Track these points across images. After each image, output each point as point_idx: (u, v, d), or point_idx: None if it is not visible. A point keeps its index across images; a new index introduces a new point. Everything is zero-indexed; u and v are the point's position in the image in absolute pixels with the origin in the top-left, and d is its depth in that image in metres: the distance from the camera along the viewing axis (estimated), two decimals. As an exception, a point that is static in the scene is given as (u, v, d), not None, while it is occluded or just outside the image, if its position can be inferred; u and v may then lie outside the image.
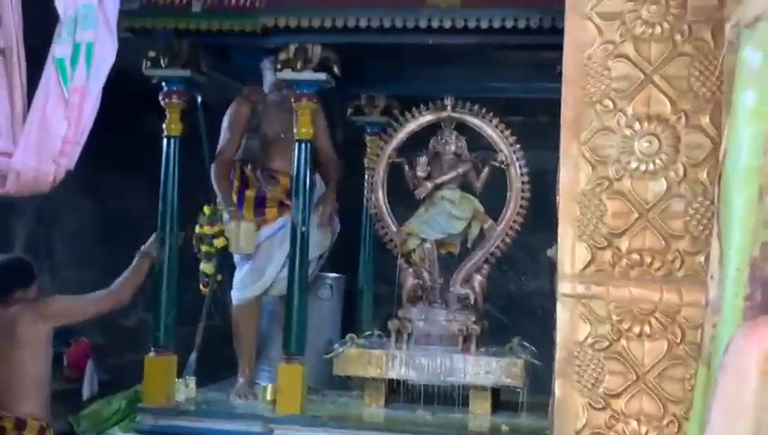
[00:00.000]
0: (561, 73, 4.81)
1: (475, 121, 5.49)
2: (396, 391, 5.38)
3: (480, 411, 5.19)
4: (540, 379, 5.26)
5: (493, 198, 5.58)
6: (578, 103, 2.12)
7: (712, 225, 2.01)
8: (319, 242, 5.58)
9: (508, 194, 5.47)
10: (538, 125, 6.54)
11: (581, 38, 2.13)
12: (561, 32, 4.62)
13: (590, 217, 2.10)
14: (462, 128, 5.56)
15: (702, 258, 2.05)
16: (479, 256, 5.46)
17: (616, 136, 2.10)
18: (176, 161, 5.24)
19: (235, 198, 5.48)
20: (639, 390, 2.08)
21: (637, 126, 2.10)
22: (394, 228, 5.53)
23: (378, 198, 5.59)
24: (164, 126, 5.26)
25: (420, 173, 5.46)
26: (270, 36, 5.09)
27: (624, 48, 2.11)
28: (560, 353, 2.09)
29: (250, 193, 5.47)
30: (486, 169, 5.49)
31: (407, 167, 5.54)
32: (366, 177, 5.77)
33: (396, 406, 5.32)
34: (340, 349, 5.26)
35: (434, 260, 5.47)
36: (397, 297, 5.47)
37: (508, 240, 5.48)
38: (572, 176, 2.11)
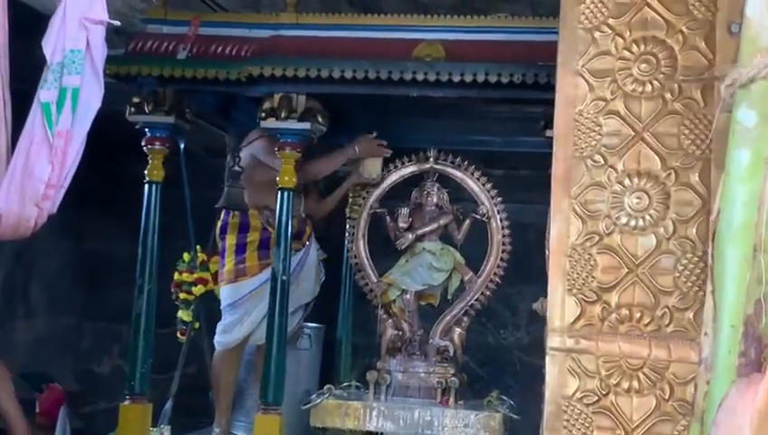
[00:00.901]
0: (544, 128, 4.94)
1: (456, 174, 5.51)
2: (373, 442, 5.34)
3: (458, 465, 5.15)
4: (517, 433, 5.25)
5: (473, 251, 5.59)
6: (568, 158, 2.13)
7: (701, 281, 2.03)
8: (310, 289, 5.59)
9: (489, 247, 5.47)
10: (520, 179, 6.61)
11: (572, 94, 2.15)
12: (544, 87, 4.77)
13: (579, 271, 2.11)
14: (444, 180, 5.58)
15: (691, 314, 2.06)
16: (459, 308, 5.45)
17: (606, 191, 2.12)
18: (157, 207, 5.23)
19: (233, 242, 5.45)
20: (628, 446, 2.07)
21: (627, 182, 2.11)
22: (374, 279, 5.52)
23: (359, 247, 5.59)
24: (146, 172, 5.24)
25: (402, 224, 5.47)
26: (255, 85, 5.10)
27: (615, 105, 2.14)
28: (548, 408, 2.08)
29: (252, 237, 5.45)
30: (467, 222, 5.50)
31: (388, 218, 5.55)
32: (347, 227, 5.77)
33: (373, 458, 5.27)
34: (318, 400, 5.20)
35: (413, 311, 5.46)
36: (376, 348, 5.45)
37: (488, 293, 5.47)
38: (563, 230, 2.12)
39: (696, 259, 2.06)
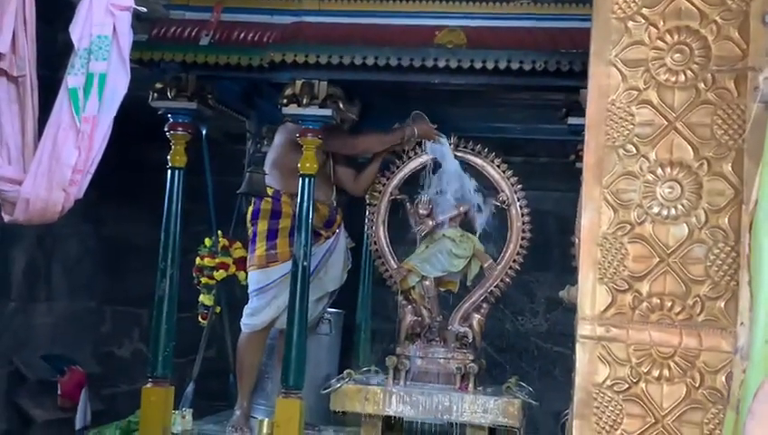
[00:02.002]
0: (566, 116, 4.94)
1: (477, 161, 5.53)
2: (392, 427, 5.37)
3: (476, 450, 5.18)
4: (534, 419, 5.28)
5: (493, 238, 5.60)
6: (600, 148, 2.14)
7: (732, 271, 2.05)
8: (337, 277, 5.63)
9: (508, 234, 5.49)
10: (539, 166, 6.63)
11: (605, 84, 2.16)
12: (566, 74, 4.78)
13: (611, 260, 2.12)
14: (464, 166, 5.59)
15: (722, 304, 2.08)
16: (478, 295, 5.47)
17: (638, 181, 2.13)
18: (179, 193, 5.25)
19: (265, 228, 5.48)
20: (657, 433, 2.09)
21: (659, 171, 2.12)
22: (394, 265, 5.55)
23: (378, 234, 5.61)
24: (168, 157, 5.27)
25: (422, 211, 5.48)
26: (277, 71, 5.12)
27: (648, 95, 2.15)
28: (578, 395, 2.10)
29: (284, 223, 5.47)
30: (487, 208, 5.51)
31: (408, 204, 5.57)
32: (367, 213, 5.79)
33: (392, 443, 5.31)
34: (338, 384, 5.24)
35: (433, 298, 5.48)
36: (395, 334, 5.48)
37: (507, 280, 5.49)
38: (594, 219, 2.13)
39: (728, 249, 2.08)
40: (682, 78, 2.12)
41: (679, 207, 2.11)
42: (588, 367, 2.10)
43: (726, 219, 2.09)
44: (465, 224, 5.57)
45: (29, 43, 3.80)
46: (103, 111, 3.79)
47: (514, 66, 4.84)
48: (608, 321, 2.11)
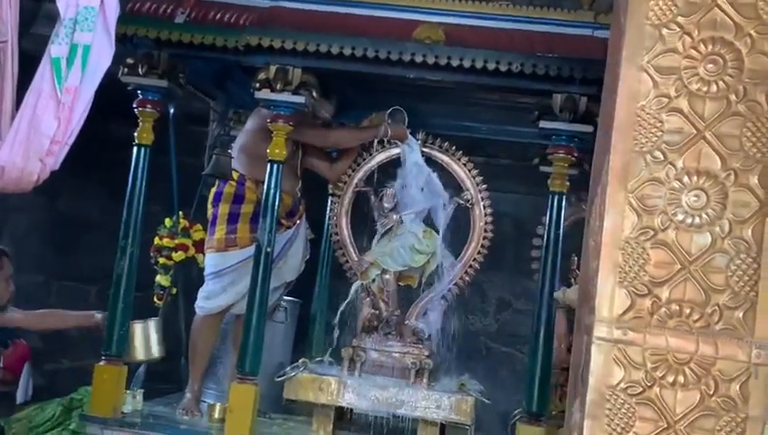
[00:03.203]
0: (538, 119, 4.99)
1: (443, 158, 5.55)
2: (343, 418, 5.37)
3: (427, 445, 5.20)
4: (480, 417, 5.32)
5: (454, 236, 5.63)
6: (627, 152, 2.16)
7: (753, 281, 2.09)
8: (296, 267, 5.60)
9: (470, 233, 5.52)
10: (499, 167, 6.67)
11: (636, 89, 2.17)
12: (542, 78, 4.82)
13: (632, 264, 2.14)
14: (429, 163, 5.61)
15: (741, 314, 2.11)
16: (437, 292, 5.50)
17: (664, 187, 2.16)
18: (144, 170, 5.19)
19: (227, 212, 5.43)
20: (669, 437, 2.12)
21: (686, 179, 2.15)
22: (355, 257, 5.55)
23: (341, 225, 5.61)
24: (135, 134, 5.21)
25: (386, 204, 5.49)
26: (252, 55, 5.07)
27: (678, 103, 2.17)
28: (591, 396, 2.12)
29: (246, 208, 5.43)
30: (451, 206, 5.54)
31: (373, 197, 5.57)
32: (330, 203, 5.78)
33: (343, 434, 5.29)
34: (293, 373, 5.23)
35: (392, 292, 5.49)
36: (340, 324, 5.47)
37: (467, 278, 5.53)
38: (617, 223, 2.15)
39: (750, 260, 2.11)
40: (714, 88, 2.15)
41: (704, 215, 2.14)
42: (602, 369, 2.12)
43: (750, 231, 2.12)
44: (428, 220, 5.59)
45: (12, 10, 3.73)
46: (85, 82, 3.75)
47: (491, 66, 4.86)
48: (625, 324, 2.13)
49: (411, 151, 5.48)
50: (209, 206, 5.54)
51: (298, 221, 5.67)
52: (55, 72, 3.67)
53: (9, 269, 4.94)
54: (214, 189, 5.56)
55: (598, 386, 2.12)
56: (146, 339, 5.36)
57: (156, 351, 5.41)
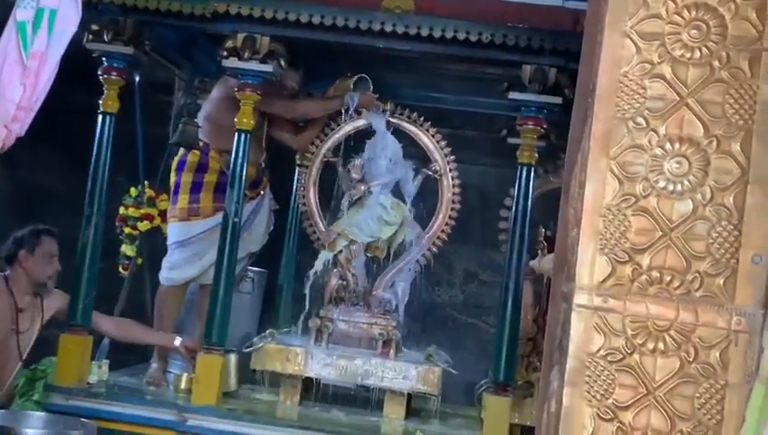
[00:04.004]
0: (507, 90, 4.98)
1: (411, 129, 5.55)
2: (310, 389, 5.36)
3: (394, 416, 5.22)
4: (447, 388, 5.34)
5: (421, 207, 5.63)
6: (609, 119, 2.15)
7: (734, 249, 2.09)
8: (260, 238, 5.58)
9: (438, 204, 5.52)
10: (464, 139, 6.66)
11: (618, 55, 2.16)
12: (512, 48, 4.80)
13: (613, 231, 2.14)
14: (398, 133, 5.60)
15: (721, 281, 2.12)
16: (404, 263, 5.50)
17: (646, 154, 2.15)
18: (109, 139, 5.11)
19: (190, 180, 5.38)
20: (649, 404, 2.13)
21: (668, 146, 2.15)
22: (323, 228, 5.54)
23: (308, 195, 5.59)
24: (100, 102, 5.13)
25: (354, 175, 5.47)
26: (219, 22, 5.01)
27: (661, 69, 2.16)
28: (571, 363, 2.12)
29: (210, 178, 5.38)
30: (419, 177, 5.54)
31: (341, 168, 5.55)
32: (297, 174, 5.75)
33: (310, 404, 5.30)
34: (260, 343, 5.21)
35: (359, 263, 5.48)
36: (318, 296, 5.46)
37: (434, 249, 5.54)
38: (598, 190, 2.15)
39: (731, 227, 2.12)
40: (697, 54, 2.15)
41: (685, 182, 2.14)
42: (582, 336, 2.12)
43: (731, 198, 2.13)
44: (396, 191, 5.58)
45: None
46: (52, 47, 3.68)
47: (461, 36, 4.84)
48: (606, 291, 2.13)
49: (380, 118, 5.47)
50: (172, 174, 5.49)
51: (262, 192, 5.63)
52: (21, 37, 3.60)
53: (51, 248, 5.02)
54: (177, 157, 5.51)
55: (578, 353, 2.12)
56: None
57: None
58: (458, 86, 5.87)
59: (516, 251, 4.95)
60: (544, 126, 5.02)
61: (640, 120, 2.14)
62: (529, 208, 4.98)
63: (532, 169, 5.04)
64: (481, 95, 5.76)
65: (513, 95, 4.98)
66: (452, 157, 5.49)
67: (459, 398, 6.04)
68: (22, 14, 3.62)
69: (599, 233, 2.12)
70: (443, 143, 5.50)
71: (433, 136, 5.51)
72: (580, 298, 2.11)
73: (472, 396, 5.66)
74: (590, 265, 2.13)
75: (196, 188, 5.42)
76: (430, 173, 5.50)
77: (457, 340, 6.93)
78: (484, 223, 6.63)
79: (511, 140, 5.54)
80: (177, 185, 5.43)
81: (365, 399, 5.33)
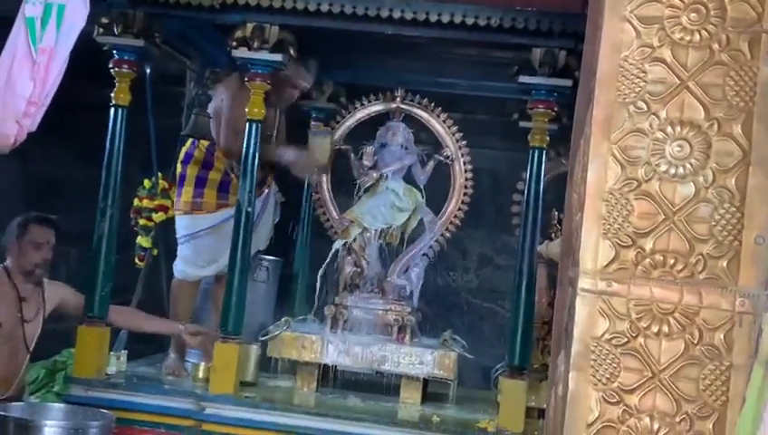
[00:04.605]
0: (516, 73, 4.97)
1: (422, 114, 5.56)
2: (327, 376, 5.39)
3: (410, 401, 5.25)
4: (461, 372, 5.37)
5: (433, 192, 5.64)
6: (610, 103, 2.15)
7: (736, 231, 2.10)
8: (265, 236, 5.61)
9: (450, 189, 5.54)
10: (476, 123, 6.66)
11: (618, 39, 2.16)
12: (521, 32, 4.80)
13: (615, 215, 2.15)
14: (409, 120, 5.61)
15: (725, 263, 2.13)
16: (418, 249, 5.52)
17: (647, 138, 2.16)
18: (122, 131, 5.14)
19: (195, 175, 5.41)
20: (654, 387, 2.14)
21: (669, 130, 2.15)
22: (336, 215, 5.56)
23: (321, 183, 5.62)
24: (112, 95, 5.15)
25: (366, 162, 5.49)
26: (228, 12, 5.02)
27: (661, 52, 2.17)
28: (576, 347, 2.13)
29: (214, 175, 5.41)
30: (431, 163, 5.55)
31: (353, 155, 5.57)
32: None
33: (327, 391, 5.33)
34: (276, 331, 5.25)
35: (373, 250, 5.50)
36: (321, 284, 5.49)
37: (447, 235, 5.56)
38: (600, 174, 2.15)
39: (734, 209, 2.12)
40: (697, 37, 2.15)
41: (687, 166, 2.14)
42: (587, 320, 2.13)
43: (733, 180, 2.13)
44: (408, 177, 5.60)
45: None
46: (60, 42, 3.70)
47: (469, 21, 4.83)
48: (609, 276, 2.14)
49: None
50: (178, 165, 5.53)
51: (266, 190, 5.62)
52: (30, 33, 3.62)
53: (39, 236, 4.96)
54: (184, 149, 5.54)
55: (582, 338, 2.14)
56: None
57: None
58: (468, 71, 5.86)
59: (529, 235, 4.96)
60: (555, 109, 5.01)
61: (641, 104, 2.15)
62: (541, 192, 4.99)
63: (544, 152, 5.04)
64: (491, 79, 5.75)
65: (524, 79, 4.98)
66: (463, 142, 5.51)
67: (476, 382, 6.07)
68: (30, 9, 3.64)
69: (601, 217, 2.13)
70: (454, 128, 5.51)
71: (444, 121, 5.52)
72: (584, 283, 2.13)
73: (489, 380, 5.67)
74: (593, 249, 2.14)
75: (200, 182, 5.46)
76: (442, 159, 5.52)
77: (473, 324, 6.95)
78: (497, 207, 6.65)
79: (522, 124, 5.55)
80: (183, 177, 5.47)
81: (381, 384, 5.36)
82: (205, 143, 5.47)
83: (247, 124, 5.06)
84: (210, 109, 5.51)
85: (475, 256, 7.09)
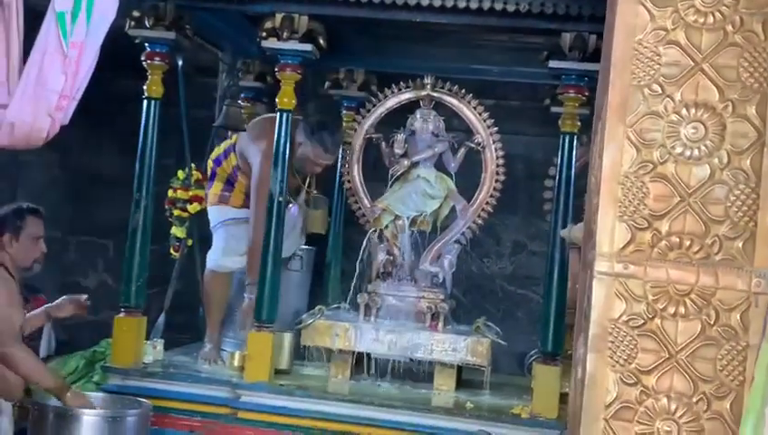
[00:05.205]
0: (547, 59, 4.96)
1: (453, 102, 5.55)
2: (360, 363, 5.42)
3: (444, 388, 5.28)
4: (496, 359, 5.37)
5: (466, 179, 5.65)
6: (625, 87, 2.16)
7: (752, 211, 2.10)
8: (295, 242, 5.64)
9: (482, 176, 5.53)
10: (509, 109, 6.66)
11: (632, 23, 2.17)
12: (549, 17, 4.78)
13: (631, 198, 2.16)
14: (439, 107, 5.61)
15: (740, 243, 2.13)
16: (450, 236, 5.53)
17: (662, 121, 2.16)
18: (155, 123, 5.20)
19: (227, 173, 5.52)
20: (671, 367, 2.15)
21: (684, 112, 2.16)
22: (368, 204, 5.58)
23: (353, 172, 5.64)
24: (144, 87, 5.21)
25: (397, 150, 5.50)
26: (257, 3, 5.06)
27: (675, 35, 2.17)
28: (594, 329, 2.15)
29: (239, 187, 5.54)
30: (462, 150, 5.55)
31: (383, 143, 5.59)
32: (341, 151, 5.79)
33: (361, 378, 5.36)
34: (310, 320, 5.29)
35: (406, 237, 5.52)
36: (360, 272, 5.51)
37: (479, 221, 5.55)
38: (616, 158, 2.16)
39: (749, 190, 2.12)
40: (710, 19, 2.15)
41: (702, 147, 2.15)
42: (604, 303, 2.15)
43: (748, 161, 2.14)
44: (439, 164, 5.61)
45: (15, -33, 3.72)
46: (91, 36, 3.73)
47: (498, 7, 4.82)
48: (626, 258, 2.15)
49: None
50: (210, 162, 5.61)
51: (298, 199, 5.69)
52: (60, 27, 3.65)
53: (36, 229, 4.66)
54: (218, 149, 5.61)
55: (600, 320, 2.15)
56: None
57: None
58: (499, 57, 5.84)
59: (561, 220, 4.95)
60: (586, 93, 4.99)
61: (656, 87, 2.15)
62: (573, 177, 4.97)
63: (575, 137, 5.02)
64: (522, 65, 5.73)
65: (554, 64, 4.96)
66: (495, 128, 5.49)
67: (512, 368, 6.07)
68: (60, 4, 3.67)
69: (617, 200, 2.14)
70: (485, 115, 5.50)
71: (475, 108, 5.51)
72: (600, 265, 2.14)
73: (524, 366, 5.68)
74: (609, 232, 2.15)
75: (230, 181, 5.56)
76: (473, 146, 5.51)
77: (508, 311, 6.95)
78: (531, 193, 6.64)
79: (554, 109, 5.53)
80: (214, 173, 5.59)
81: (415, 371, 5.38)
82: (233, 160, 5.51)
83: (278, 114, 5.09)
84: (239, 145, 5.54)
85: (509, 242, 7.08)
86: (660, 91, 2.16)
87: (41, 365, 4.57)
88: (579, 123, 5.03)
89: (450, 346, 5.19)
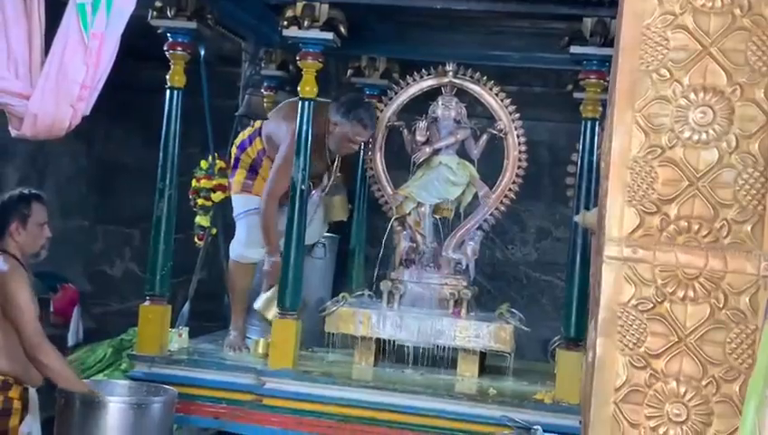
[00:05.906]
0: (568, 44, 4.95)
1: (475, 88, 5.55)
2: (385, 350, 5.45)
3: (468, 374, 5.29)
4: (521, 345, 5.38)
5: (488, 166, 5.65)
6: (634, 72, 2.16)
7: (760, 195, 2.10)
8: (318, 230, 5.66)
9: (504, 162, 5.53)
10: (532, 95, 6.65)
11: (640, 8, 2.17)
12: (569, 2, 4.77)
13: (640, 183, 2.16)
14: (461, 94, 5.61)
15: (749, 227, 2.13)
16: (473, 223, 5.54)
17: (671, 105, 2.16)
18: (178, 113, 5.23)
19: (250, 162, 5.53)
20: (680, 351, 2.16)
21: (692, 96, 2.15)
22: (390, 191, 5.60)
23: (375, 160, 5.66)
24: (167, 77, 5.24)
25: (419, 138, 5.51)
26: (279, -9, 5.09)
27: (684, 19, 2.17)
28: (603, 314, 2.16)
29: (263, 174, 5.53)
30: (484, 137, 5.55)
31: (405, 131, 5.60)
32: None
33: (385, 365, 5.39)
34: (333, 307, 5.32)
35: (428, 224, 5.53)
36: (382, 258, 5.53)
37: (502, 208, 5.56)
38: (625, 143, 2.17)
39: (757, 174, 2.12)
40: (718, 3, 2.14)
41: (711, 132, 2.15)
42: (613, 287, 2.16)
43: (757, 145, 2.13)
44: (462, 151, 5.61)
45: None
46: (111, 27, 3.76)
47: (519, -8, 4.82)
48: (635, 242, 2.16)
49: None
50: (234, 148, 5.62)
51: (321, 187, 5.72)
52: (81, 18, 3.68)
53: (41, 215, 4.63)
54: (242, 136, 5.63)
55: (609, 304, 2.16)
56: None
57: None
58: (521, 42, 5.82)
59: (583, 206, 4.94)
60: (607, 79, 4.96)
61: (664, 71, 2.15)
62: (595, 163, 4.95)
63: (597, 123, 5.00)
64: (543, 50, 5.70)
65: (575, 49, 4.94)
66: (517, 115, 5.48)
67: (537, 355, 6.08)
68: (81, -6, 3.71)
69: (626, 185, 2.15)
70: (507, 101, 5.49)
71: (497, 95, 5.50)
72: (609, 250, 2.14)
73: (547, 353, 5.68)
74: (618, 216, 2.15)
75: (253, 169, 5.56)
76: (495, 132, 5.51)
77: (533, 297, 6.95)
78: (554, 179, 6.62)
79: (577, 95, 5.52)
80: (237, 160, 5.59)
81: (439, 358, 5.40)
82: (258, 145, 5.54)
83: (300, 103, 5.11)
84: (266, 129, 5.58)
85: (533, 229, 7.08)
86: (668, 76, 2.16)
87: (70, 371, 4.60)
88: (600, 109, 5.00)
89: (473, 332, 5.21)
